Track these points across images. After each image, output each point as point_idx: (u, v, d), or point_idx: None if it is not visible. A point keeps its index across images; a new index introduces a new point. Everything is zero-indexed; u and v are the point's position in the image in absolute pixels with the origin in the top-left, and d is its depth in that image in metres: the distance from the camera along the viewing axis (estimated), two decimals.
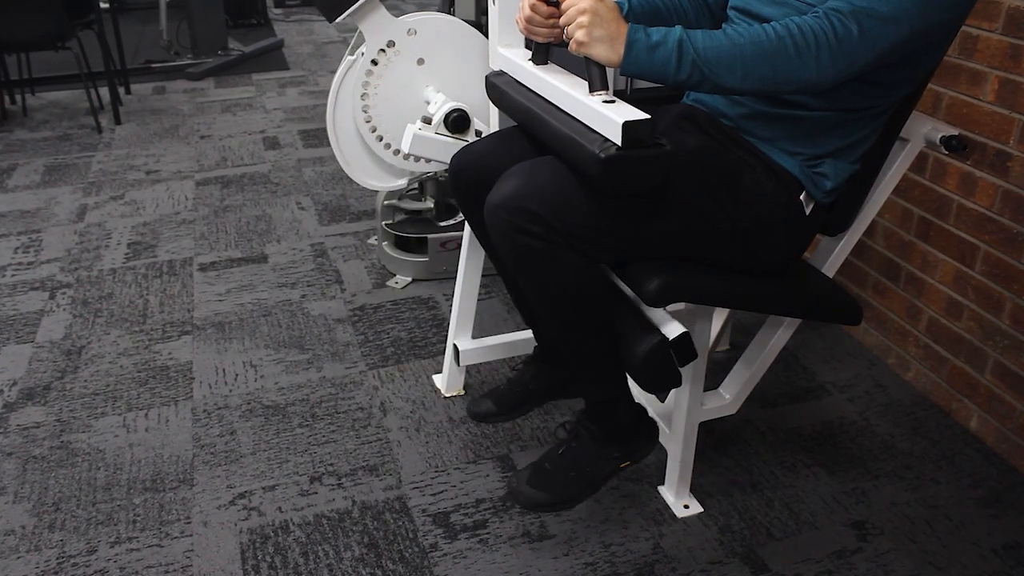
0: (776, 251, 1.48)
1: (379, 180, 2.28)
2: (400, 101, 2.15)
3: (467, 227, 1.83)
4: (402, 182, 2.30)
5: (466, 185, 1.57)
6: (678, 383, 1.45)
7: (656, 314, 1.45)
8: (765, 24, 1.24)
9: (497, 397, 1.86)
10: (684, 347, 1.43)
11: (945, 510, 1.70)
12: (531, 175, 1.33)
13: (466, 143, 2.01)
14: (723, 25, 1.50)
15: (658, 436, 1.59)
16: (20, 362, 2.17)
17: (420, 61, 2.12)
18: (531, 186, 1.31)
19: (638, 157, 1.23)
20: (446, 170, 2.28)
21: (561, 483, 1.53)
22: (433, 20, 2.08)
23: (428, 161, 2.19)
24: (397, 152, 2.20)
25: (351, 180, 3.31)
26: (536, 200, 1.30)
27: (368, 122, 2.15)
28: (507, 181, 1.33)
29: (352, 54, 2.14)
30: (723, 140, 1.46)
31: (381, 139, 2.18)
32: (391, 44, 2.07)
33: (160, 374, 2.12)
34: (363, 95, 2.12)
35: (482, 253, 1.89)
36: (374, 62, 2.08)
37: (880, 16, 1.20)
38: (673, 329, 1.41)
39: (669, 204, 1.37)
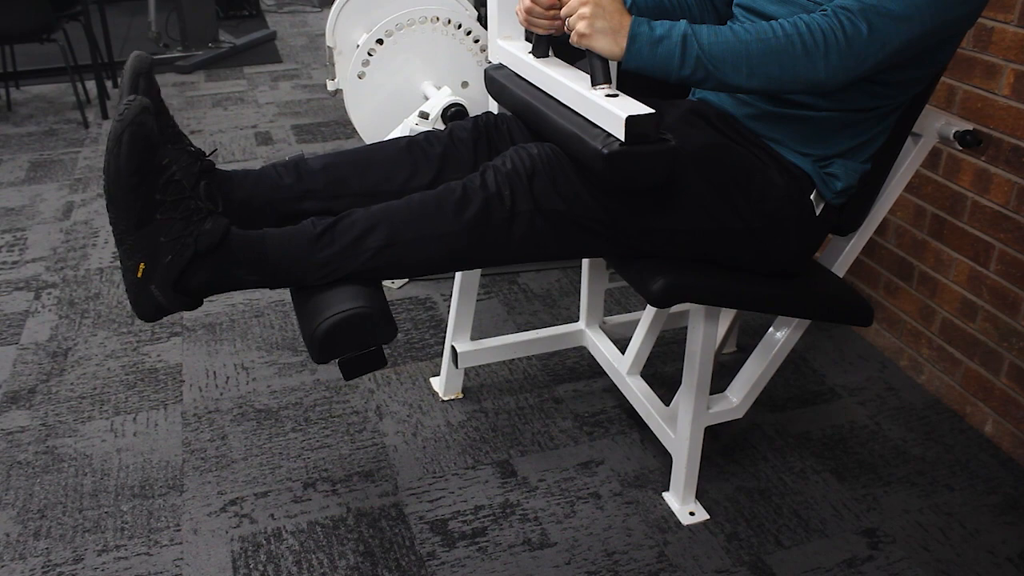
0: (786, 251, 1.48)
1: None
2: (397, 95, 2.17)
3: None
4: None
5: (487, 134, 1.53)
6: (324, 362, 1.28)
7: (392, 321, 1.33)
8: (772, 22, 1.24)
9: (157, 100, 1.37)
10: (369, 362, 1.31)
11: (959, 517, 1.71)
12: (560, 158, 1.35)
13: None
14: (728, 22, 1.50)
15: (153, 320, 1.30)
16: (4, 364, 2.17)
17: (464, 84, 2.14)
18: (558, 166, 1.33)
19: (642, 153, 1.23)
20: None
21: (149, 179, 1.22)
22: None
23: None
24: (361, 75, 2.19)
25: None
26: (556, 180, 1.32)
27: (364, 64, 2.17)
28: (545, 148, 1.35)
29: None
30: (734, 136, 1.46)
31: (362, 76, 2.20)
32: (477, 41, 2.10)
33: (149, 377, 2.12)
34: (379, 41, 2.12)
35: None
36: (370, 53, 2.09)
37: (891, 14, 1.21)
38: (386, 335, 1.29)
39: (677, 201, 1.37)
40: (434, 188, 1.38)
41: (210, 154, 1.45)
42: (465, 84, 2.16)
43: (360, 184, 1.44)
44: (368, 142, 2.26)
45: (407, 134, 1.98)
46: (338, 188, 1.43)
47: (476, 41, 2.13)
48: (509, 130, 1.55)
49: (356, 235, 1.30)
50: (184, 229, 1.24)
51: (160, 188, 1.22)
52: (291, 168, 1.44)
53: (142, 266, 1.24)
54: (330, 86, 2.32)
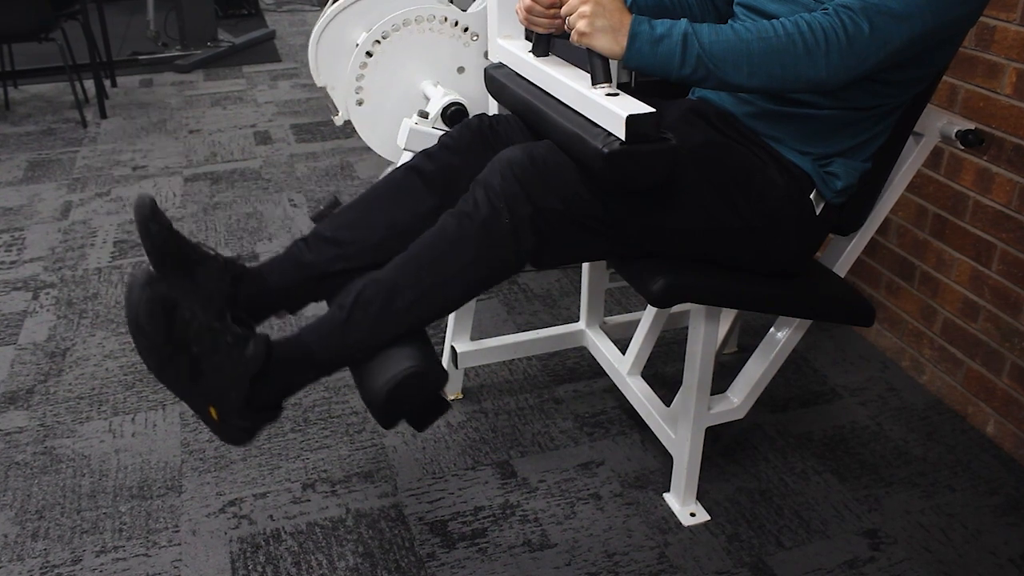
0: (787, 251, 1.49)
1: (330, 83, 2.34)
2: (396, 93, 2.17)
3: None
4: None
5: (474, 149, 1.52)
6: (390, 426, 1.33)
7: (440, 367, 1.36)
8: (773, 20, 1.24)
9: (172, 236, 1.40)
10: (434, 411, 1.35)
11: (961, 518, 1.71)
12: (552, 157, 1.34)
13: None
14: (729, 21, 1.50)
15: (249, 442, 1.35)
16: (2, 365, 2.17)
17: (474, 36, 2.14)
18: (549, 165, 1.32)
19: (642, 152, 1.23)
20: None
21: (178, 342, 1.25)
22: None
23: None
24: (361, 103, 2.20)
25: (346, 177, 3.32)
26: (550, 180, 1.31)
27: (359, 80, 2.17)
28: (530, 149, 1.34)
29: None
30: (734, 135, 1.46)
31: (361, 103, 2.20)
32: (473, 35, 2.10)
33: (147, 377, 2.12)
34: (358, 88, 2.13)
35: None
36: (368, 54, 2.09)
37: (892, 13, 1.21)
38: (452, 391, 1.36)
39: (677, 200, 1.37)
40: (443, 204, 1.39)
41: (237, 258, 1.51)
42: (461, 69, 2.16)
43: (373, 236, 1.48)
44: (388, 158, 2.28)
45: (406, 134, 1.98)
46: (356, 247, 1.47)
47: (465, 30, 2.13)
48: (507, 132, 1.55)
49: (381, 305, 1.33)
50: (232, 364, 1.27)
51: (194, 341, 1.26)
52: (311, 244, 1.48)
53: (213, 410, 1.29)
54: (337, 121, 2.34)
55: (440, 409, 1.37)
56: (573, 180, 1.33)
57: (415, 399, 1.32)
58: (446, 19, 2.12)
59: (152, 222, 1.37)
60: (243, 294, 1.45)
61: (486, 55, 2.15)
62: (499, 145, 1.52)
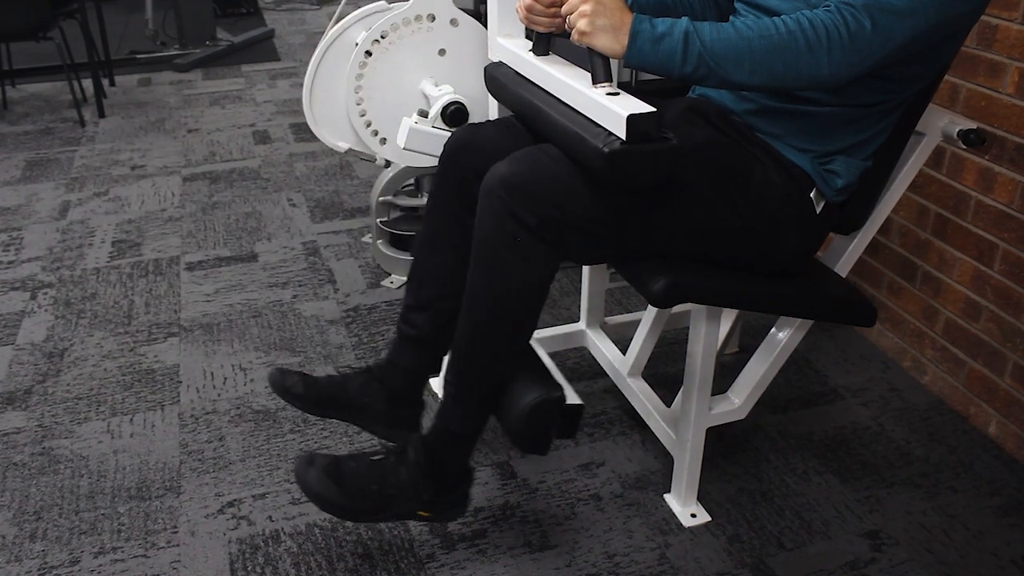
0: (787, 250, 1.48)
1: (347, 141, 2.31)
2: (395, 93, 2.17)
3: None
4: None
5: (463, 166, 1.53)
6: (544, 451, 1.44)
7: (558, 376, 1.46)
8: (775, 17, 1.24)
9: (309, 382, 1.63)
10: (572, 419, 1.42)
11: (963, 519, 1.71)
12: (540, 162, 1.33)
13: None
14: (731, 18, 1.50)
15: (465, 510, 1.53)
16: (0, 365, 2.17)
17: (442, 52, 2.14)
18: (537, 172, 1.32)
19: (643, 152, 1.23)
20: None
21: (357, 489, 1.43)
22: (472, 22, 2.13)
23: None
24: (376, 133, 2.21)
25: (345, 176, 3.32)
26: (540, 187, 1.30)
27: (363, 116, 2.16)
28: (515, 162, 1.33)
29: (335, 26, 2.17)
30: (732, 134, 1.46)
31: (376, 134, 2.19)
32: (432, 18, 2.09)
33: (146, 378, 2.12)
34: (357, 88, 2.13)
35: None
36: (368, 53, 2.09)
37: (894, 10, 1.20)
38: (572, 397, 1.43)
39: (676, 200, 1.37)
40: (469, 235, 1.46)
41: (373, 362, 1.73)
42: (442, 52, 2.15)
43: (442, 286, 1.59)
44: (425, 164, 2.27)
45: (406, 133, 1.98)
46: (439, 302, 1.60)
47: (432, 20, 2.13)
48: (482, 148, 1.53)
49: (469, 368, 1.43)
50: (407, 477, 1.45)
51: (368, 482, 1.44)
52: (407, 319, 1.62)
53: (422, 512, 1.48)
54: (380, 163, 2.35)
55: (576, 413, 1.44)
56: (567, 184, 1.32)
57: (549, 421, 1.41)
58: (421, 16, 2.11)
59: (290, 387, 1.61)
60: (392, 387, 1.63)
61: (454, 23, 2.14)
62: (487, 148, 1.52)
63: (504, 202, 1.30)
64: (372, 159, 2.34)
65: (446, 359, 1.49)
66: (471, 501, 1.54)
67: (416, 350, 1.63)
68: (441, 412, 1.46)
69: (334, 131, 2.28)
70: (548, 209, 1.30)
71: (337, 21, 2.19)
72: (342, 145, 2.29)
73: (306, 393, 1.61)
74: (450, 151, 1.56)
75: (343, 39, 2.18)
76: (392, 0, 2.17)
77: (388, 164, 2.36)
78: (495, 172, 1.33)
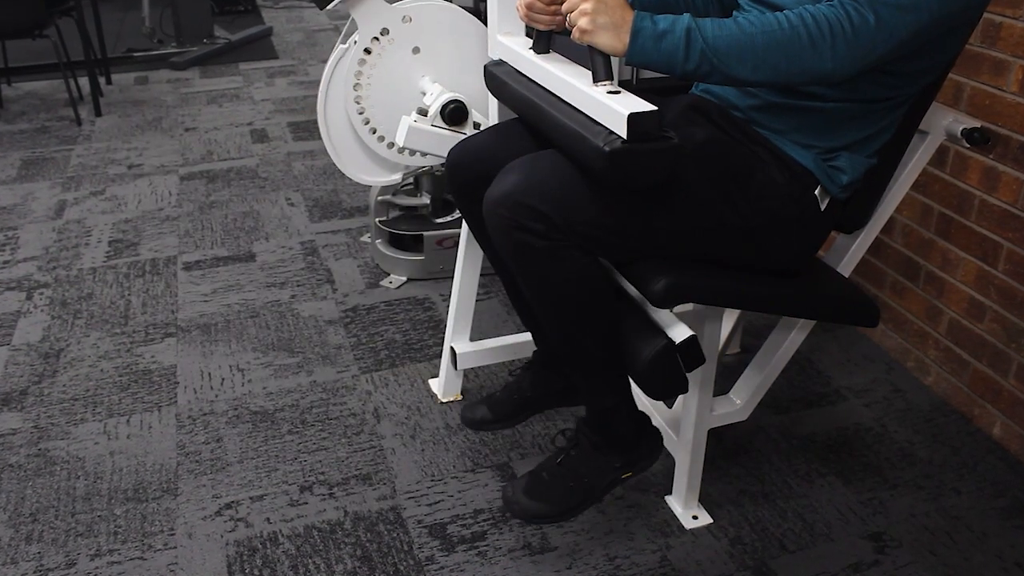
0: (789, 249, 1.48)
1: (372, 175, 2.29)
2: (395, 92, 2.16)
3: (464, 225, 1.83)
4: (396, 177, 2.30)
5: (464, 181, 1.57)
6: (685, 389, 1.45)
7: (661, 316, 1.46)
8: (778, 13, 1.24)
9: (493, 403, 1.85)
10: (692, 351, 1.42)
11: (967, 521, 1.71)
12: (533, 170, 1.33)
13: (464, 136, 2.02)
14: (734, 14, 1.50)
15: (661, 445, 1.59)
16: None
17: (416, 50, 2.12)
18: (533, 181, 1.31)
19: (644, 151, 1.23)
20: (442, 164, 2.28)
21: (559, 493, 1.53)
22: (430, 7, 2.08)
23: (424, 155, 2.19)
24: (392, 145, 2.20)
25: (343, 175, 3.31)
26: (538, 196, 1.30)
27: (361, 114, 2.16)
28: (507, 176, 1.33)
29: (344, 42, 2.15)
30: (734, 133, 1.46)
31: (375, 132, 2.18)
32: (385, 32, 2.07)
33: (143, 378, 2.12)
34: (356, 85, 2.12)
35: (480, 251, 1.89)
36: (367, 51, 2.08)
37: (898, 4, 1.20)
38: (680, 332, 1.41)
39: (677, 200, 1.37)
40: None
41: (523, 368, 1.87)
42: (416, 50, 2.13)
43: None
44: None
45: (405, 131, 1.98)
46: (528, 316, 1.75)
47: (385, 34, 2.12)
48: (482, 159, 1.55)
49: (572, 365, 1.49)
50: (594, 459, 1.54)
51: (564, 483, 1.54)
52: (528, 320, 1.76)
53: (625, 476, 1.56)
54: (438, 171, 2.35)
55: (692, 344, 1.43)
56: (565, 189, 1.31)
57: (671, 366, 1.43)
58: (380, 34, 2.10)
59: (484, 423, 1.85)
60: (559, 367, 1.78)
61: (406, 20, 2.12)
62: (484, 160, 1.54)
63: (507, 220, 1.31)
64: (427, 167, 2.34)
65: None
66: (660, 436, 1.60)
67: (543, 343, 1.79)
68: (584, 399, 1.54)
69: (365, 167, 2.28)
70: (550, 216, 1.30)
71: (346, 38, 2.18)
72: (395, 177, 2.30)
73: (496, 416, 1.84)
74: (449, 173, 1.60)
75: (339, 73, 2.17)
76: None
77: (443, 167, 2.35)
78: (492, 193, 1.34)
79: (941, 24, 1.25)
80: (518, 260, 1.35)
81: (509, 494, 1.55)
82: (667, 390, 1.45)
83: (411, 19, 2.09)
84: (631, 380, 1.50)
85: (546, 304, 1.39)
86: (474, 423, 1.86)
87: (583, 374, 1.48)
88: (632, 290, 1.52)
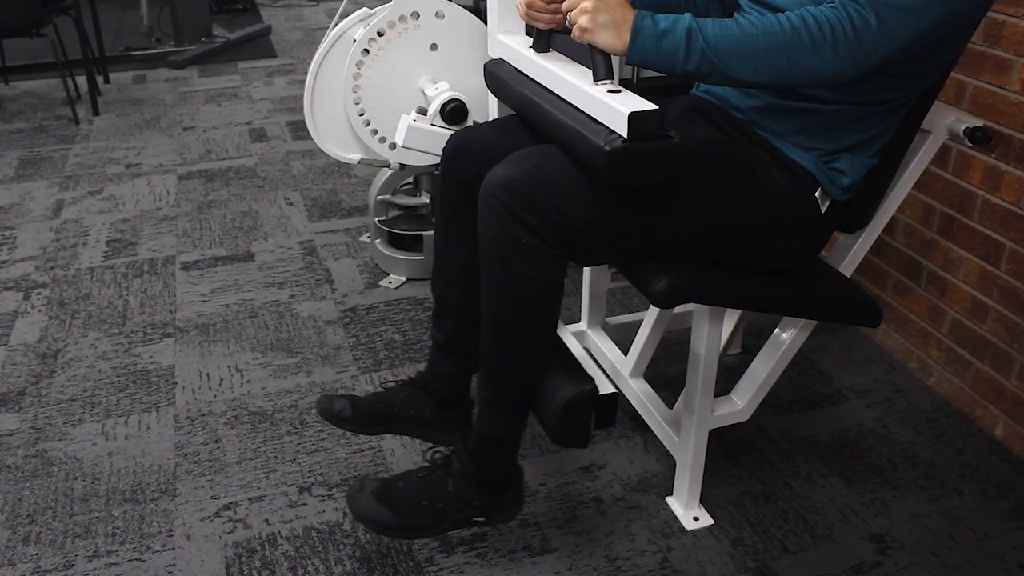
0: (790, 251, 1.48)
1: (347, 151, 2.31)
2: (397, 76, 2.17)
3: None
4: (355, 157, 2.32)
5: (460, 168, 1.55)
6: (584, 444, 1.44)
7: (587, 365, 1.47)
8: (779, 14, 1.24)
9: (356, 404, 1.69)
10: (609, 407, 1.43)
11: (969, 522, 1.71)
12: (536, 163, 1.33)
13: None
14: (735, 14, 1.50)
15: (522, 506, 1.54)
16: None
17: (434, 47, 2.14)
18: (535, 174, 1.31)
19: (645, 150, 1.23)
20: (436, 167, 2.29)
21: (408, 507, 1.45)
22: (465, 14, 2.14)
23: (394, 145, 2.21)
24: (384, 140, 2.21)
25: (342, 175, 3.32)
26: (538, 190, 1.30)
27: (357, 104, 2.17)
28: (510, 165, 1.33)
29: (335, 27, 2.17)
30: (735, 134, 1.46)
31: (363, 113, 2.20)
32: (415, 15, 2.09)
33: (141, 379, 2.12)
34: (359, 64, 2.13)
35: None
36: (380, 33, 2.09)
37: (900, 6, 1.20)
38: (606, 386, 1.43)
39: (678, 200, 1.37)
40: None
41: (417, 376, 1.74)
42: (434, 47, 2.15)
43: (463, 289, 1.61)
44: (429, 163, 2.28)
45: (404, 131, 1.98)
46: (460, 306, 1.63)
47: (417, 18, 2.14)
48: (482, 149, 1.54)
49: (499, 371, 1.44)
50: (454, 487, 1.47)
51: (418, 498, 1.46)
52: (437, 324, 1.67)
53: (477, 519, 1.49)
54: (395, 166, 2.35)
55: (611, 401, 1.45)
56: (565, 186, 1.31)
57: (584, 415, 1.42)
58: (406, 16, 2.12)
59: (339, 412, 1.66)
60: (437, 394, 1.68)
61: (439, 15, 2.14)
62: (483, 151, 1.53)
63: (504, 206, 1.30)
64: (386, 165, 2.34)
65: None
66: (525, 497, 1.56)
67: (451, 353, 1.66)
68: (479, 420, 1.47)
69: (341, 143, 2.29)
70: (547, 211, 1.30)
71: (339, 20, 2.19)
72: (353, 157, 2.30)
73: (355, 416, 1.67)
74: (446, 156, 1.58)
75: (345, 39, 2.18)
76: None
77: (403, 167, 2.36)
78: (492, 176, 1.33)
79: (943, 27, 1.25)
80: (498, 252, 1.34)
81: (355, 490, 1.47)
82: (569, 436, 1.43)
83: (444, 15, 2.10)
84: (539, 419, 1.47)
85: (499, 304, 1.38)
86: (329, 414, 1.68)
87: (494, 392, 1.45)
88: (571, 339, 1.54)
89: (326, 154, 3.48)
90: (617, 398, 1.44)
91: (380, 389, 1.72)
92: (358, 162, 2.31)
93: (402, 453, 1.87)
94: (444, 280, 1.64)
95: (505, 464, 1.50)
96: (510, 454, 1.49)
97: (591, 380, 1.42)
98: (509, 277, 1.35)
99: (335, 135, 2.28)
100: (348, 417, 1.67)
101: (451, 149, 1.57)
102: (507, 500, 1.51)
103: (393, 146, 2.23)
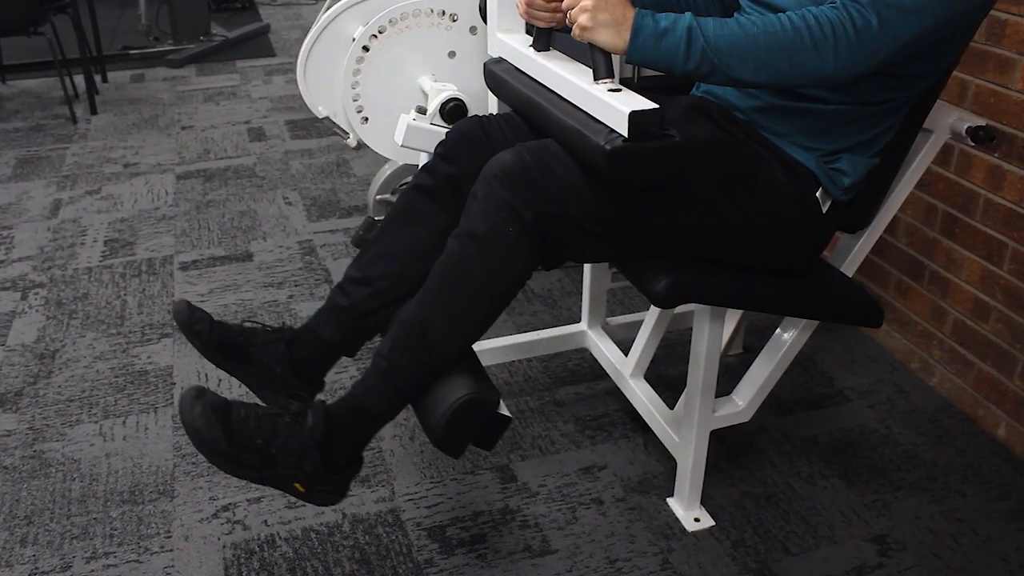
0: (791, 251, 1.49)
1: (327, 108, 2.35)
2: (402, 62, 2.19)
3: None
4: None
5: (465, 152, 1.53)
6: (458, 455, 1.38)
7: (490, 386, 1.41)
8: (780, 14, 1.24)
9: (216, 325, 1.54)
10: (498, 428, 1.40)
11: (971, 523, 1.71)
12: (543, 157, 1.34)
13: None
14: (735, 14, 1.50)
15: (340, 501, 1.44)
16: None
17: (454, 17, 2.15)
18: (540, 167, 1.32)
19: (646, 149, 1.23)
20: None
21: (241, 437, 1.32)
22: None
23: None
24: (367, 120, 2.24)
25: (341, 174, 3.32)
26: (541, 183, 1.31)
27: (354, 87, 2.18)
28: (517, 153, 1.33)
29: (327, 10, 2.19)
30: (736, 133, 1.46)
31: (357, 101, 2.21)
32: (453, 18, 2.11)
33: (139, 379, 2.12)
34: (364, 48, 2.14)
35: None
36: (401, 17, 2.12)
37: (901, 6, 1.21)
38: (503, 408, 1.42)
39: (679, 199, 1.37)
40: (455, 215, 1.43)
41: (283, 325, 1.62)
42: (452, 54, 2.17)
43: (397, 266, 1.54)
44: (410, 162, 2.29)
45: (403, 130, 1.98)
46: (386, 282, 1.54)
47: (445, 15, 2.14)
48: (501, 131, 1.54)
49: (416, 346, 1.37)
50: (297, 441, 1.34)
51: (255, 434, 1.33)
52: (345, 288, 1.56)
53: (298, 485, 1.37)
54: (351, 143, 2.35)
55: (502, 425, 1.41)
56: (569, 181, 1.32)
57: (474, 424, 1.36)
58: (444, 12, 2.12)
59: (194, 323, 1.50)
60: (299, 355, 1.56)
61: (473, 31, 2.15)
62: (494, 145, 1.52)
63: (503, 192, 1.30)
64: (345, 135, 2.35)
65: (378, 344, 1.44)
66: (348, 494, 1.46)
67: (341, 322, 1.56)
68: (361, 385, 1.39)
69: (321, 96, 2.29)
70: (547, 205, 1.30)
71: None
72: (321, 110, 2.31)
73: (210, 335, 1.51)
74: (461, 139, 1.54)
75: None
76: None
77: (359, 147, 2.39)
78: (499, 160, 1.33)
79: (945, 27, 1.25)
80: (481, 232, 1.32)
81: (192, 396, 1.31)
82: (449, 438, 1.36)
83: (477, 31, 2.15)
84: (423, 411, 1.39)
85: (458, 276, 1.34)
86: (184, 321, 1.51)
87: (397, 364, 1.37)
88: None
89: (325, 153, 3.49)
90: (508, 424, 1.39)
91: (247, 323, 1.58)
92: (322, 119, 2.32)
93: (401, 454, 1.87)
94: (385, 249, 1.54)
95: (356, 443, 1.40)
96: (368, 435, 1.40)
97: (497, 392, 1.37)
98: (478, 260, 1.33)
99: (320, 86, 2.30)
100: (201, 332, 1.51)
101: (467, 135, 1.54)
102: (334, 483, 1.40)
103: (366, 120, 2.25)
